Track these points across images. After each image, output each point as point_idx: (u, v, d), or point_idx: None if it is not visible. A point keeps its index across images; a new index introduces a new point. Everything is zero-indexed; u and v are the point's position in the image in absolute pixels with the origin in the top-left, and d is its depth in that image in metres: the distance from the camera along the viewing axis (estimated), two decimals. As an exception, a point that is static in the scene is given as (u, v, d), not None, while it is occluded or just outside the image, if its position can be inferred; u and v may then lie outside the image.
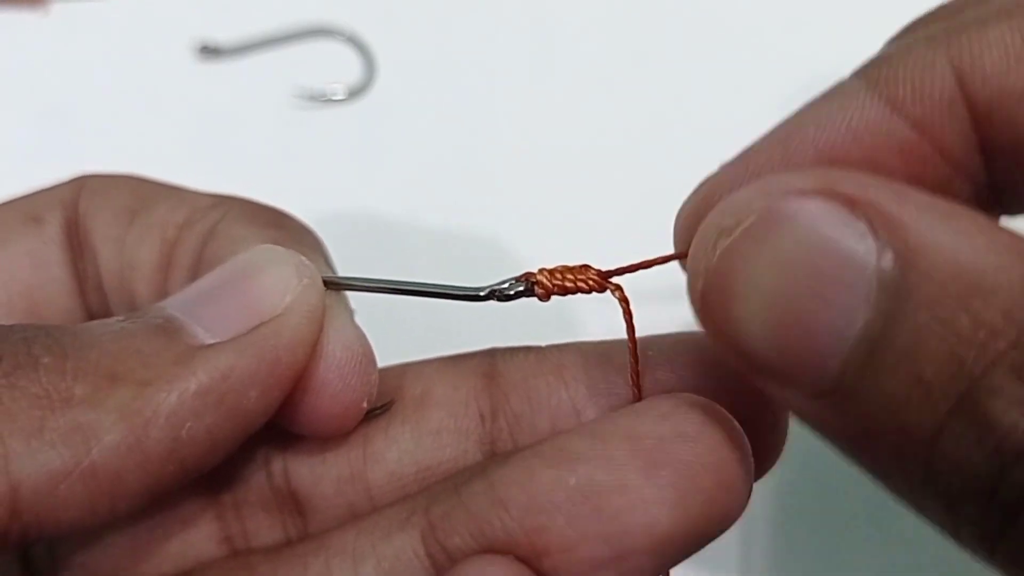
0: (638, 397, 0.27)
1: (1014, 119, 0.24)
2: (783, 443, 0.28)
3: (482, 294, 0.27)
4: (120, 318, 0.26)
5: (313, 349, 0.26)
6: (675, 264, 0.29)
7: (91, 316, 0.32)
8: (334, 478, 0.29)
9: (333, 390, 0.27)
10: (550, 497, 0.25)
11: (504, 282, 0.27)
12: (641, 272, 0.28)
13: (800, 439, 0.27)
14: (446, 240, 0.54)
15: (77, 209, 0.32)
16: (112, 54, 0.59)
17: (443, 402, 0.29)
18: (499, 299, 0.27)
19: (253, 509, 0.29)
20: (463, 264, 0.53)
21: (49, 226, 0.31)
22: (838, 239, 0.20)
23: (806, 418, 0.22)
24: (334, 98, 0.57)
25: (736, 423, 0.25)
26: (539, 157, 0.56)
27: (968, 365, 0.19)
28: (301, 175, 0.56)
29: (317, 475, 0.29)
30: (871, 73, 0.26)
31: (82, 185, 0.32)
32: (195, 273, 0.30)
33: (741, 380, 0.25)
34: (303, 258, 0.27)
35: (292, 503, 0.29)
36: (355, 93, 0.58)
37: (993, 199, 0.26)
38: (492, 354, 0.30)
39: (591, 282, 0.27)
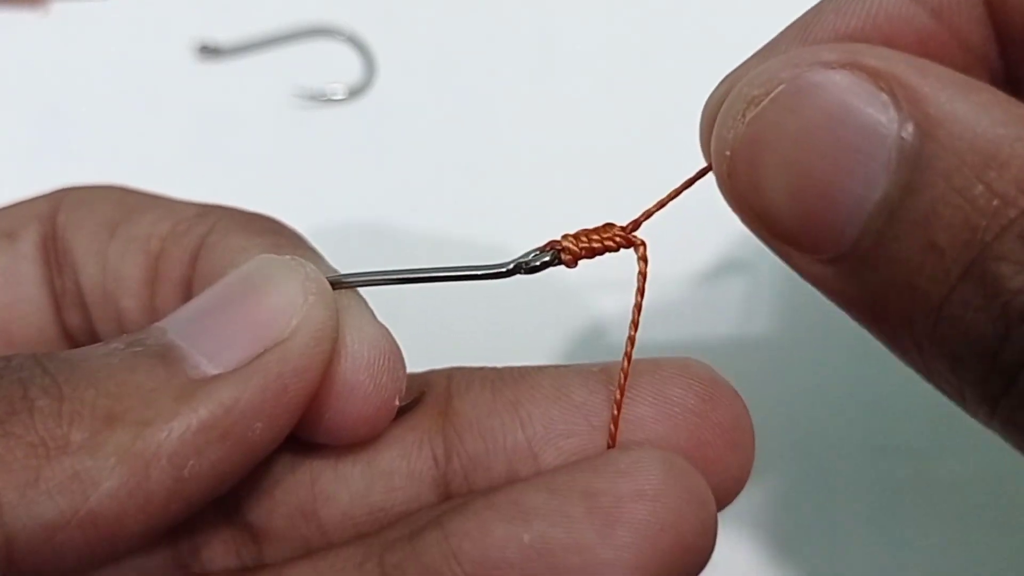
0: (617, 408, 0.26)
1: None
2: (748, 476, 0.27)
3: (507, 269, 0.26)
4: (119, 343, 0.24)
5: (325, 370, 0.25)
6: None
7: (68, 333, 0.31)
8: (284, 514, 0.28)
9: (364, 392, 0.26)
10: (504, 553, 0.24)
11: (528, 253, 0.26)
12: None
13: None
14: (446, 240, 0.54)
15: (55, 223, 0.31)
16: (112, 54, 0.59)
17: (395, 443, 0.28)
18: (526, 272, 0.26)
19: (207, 536, 0.28)
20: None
21: (23, 242, 0.31)
22: (861, 109, 0.21)
23: (822, 285, 0.23)
24: (334, 98, 0.57)
25: (701, 480, 0.25)
26: (539, 157, 0.56)
27: (980, 232, 0.20)
28: (301, 175, 0.56)
29: (267, 509, 0.28)
30: None
31: (61, 198, 0.31)
32: (186, 287, 0.29)
33: (715, 410, 0.26)
34: (308, 266, 0.26)
35: (246, 532, 0.28)
36: (355, 93, 0.58)
37: (1010, 91, 0.27)
38: (448, 380, 0.28)
39: (617, 239, 0.27)
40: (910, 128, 0.21)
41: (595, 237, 0.27)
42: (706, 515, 0.25)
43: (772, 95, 0.22)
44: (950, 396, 0.22)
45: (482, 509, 0.25)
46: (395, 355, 0.27)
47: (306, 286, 0.25)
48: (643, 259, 0.26)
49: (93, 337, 0.31)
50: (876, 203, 0.21)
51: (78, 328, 0.31)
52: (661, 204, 0.26)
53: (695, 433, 0.26)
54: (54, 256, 0.31)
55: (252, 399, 0.24)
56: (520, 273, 0.26)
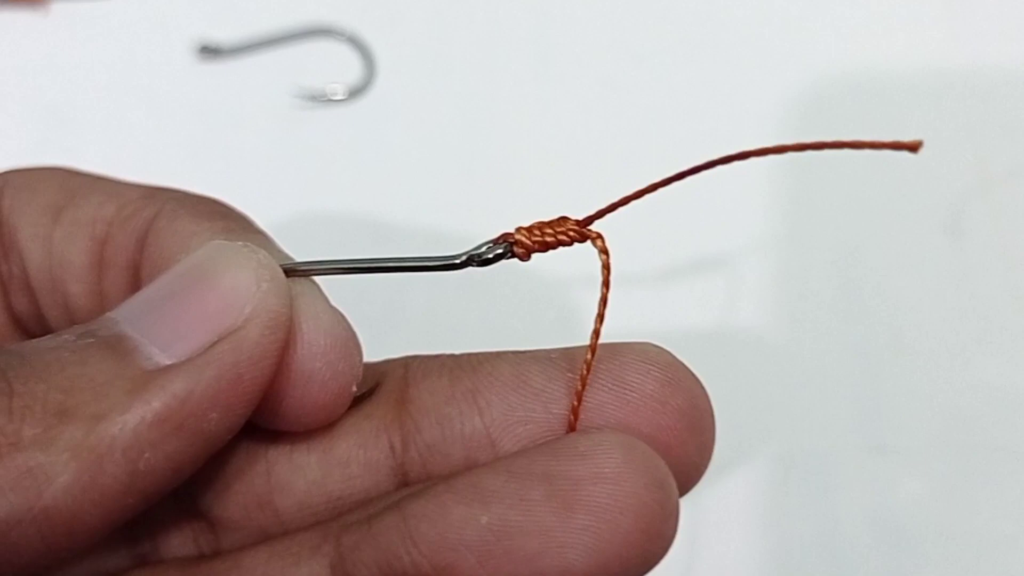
0: (578, 397, 0.26)
1: None
2: (708, 460, 0.27)
3: (459, 261, 0.26)
4: (70, 335, 0.24)
5: (279, 358, 0.25)
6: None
7: (16, 318, 0.31)
8: (241, 503, 0.27)
9: (321, 379, 0.26)
10: (461, 535, 0.24)
11: (481, 245, 0.26)
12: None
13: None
14: (446, 240, 0.54)
15: (0, 208, 0.30)
16: (112, 54, 0.59)
17: (351, 431, 0.27)
18: (478, 264, 0.26)
19: (163, 526, 0.28)
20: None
21: None
22: None
23: None
24: (334, 98, 0.57)
25: (662, 464, 0.25)
26: (539, 157, 0.56)
27: None
28: (301, 175, 0.56)
29: (222, 499, 0.28)
30: None
31: (5, 182, 0.31)
32: (134, 272, 0.29)
33: (673, 394, 0.25)
34: (261, 252, 0.25)
35: (203, 521, 0.28)
36: (355, 93, 0.58)
37: None
38: (405, 369, 0.28)
39: (571, 233, 0.26)
40: None
41: (548, 231, 0.26)
42: (666, 498, 0.24)
43: None
44: None
45: (441, 492, 0.25)
46: (351, 342, 0.27)
47: (259, 273, 0.25)
48: (603, 251, 0.26)
49: (41, 322, 0.31)
50: None
51: (26, 313, 0.31)
52: (622, 201, 0.26)
53: (654, 418, 0.26)
54: (0, 241, 0.31)
55: (207, 389, 0.23)
56: (472, 265, 0.26)
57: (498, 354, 0.28)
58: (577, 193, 0.55)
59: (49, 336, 0.25)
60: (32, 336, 0.31)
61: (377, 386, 0.28)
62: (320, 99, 0.57)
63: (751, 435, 0.48)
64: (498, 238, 0.26)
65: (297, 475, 0.27)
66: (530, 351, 0.28)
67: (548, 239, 0.26)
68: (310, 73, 0.58)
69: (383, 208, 0.54)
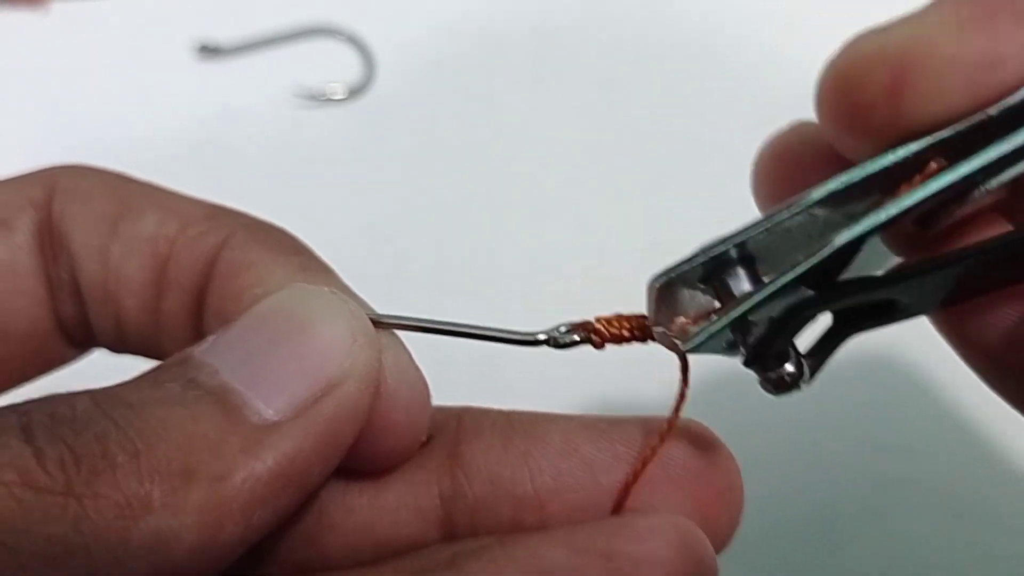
0: (635, 477, 0.27)
1: None
2: (733, 535, 0.29)
3: (538, 340, 0.27)
4: (174, 382, 0.24)
5: (370, 410, 0.26)
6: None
7: (62, 325, 0.31)
8: (289, 539, 0.28)
9: (400, 430, 0.27)
10: None
11: (559, 327, 0.27)
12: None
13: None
14: (445, 240, 0.54)
15: (50, 211, 0.30)
16: (112, 54, 0.59)
17: (404, 479, 0.28)
18: (554, 346, 0.27)
19: None
20: (461, 263, 0.53)
21: (19, 233, 0.30)
22: None
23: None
24: (334, 98, 0.58)
25: (709, 545, 0.26)
26: (539, 158, 0.56)
27: None
28: (301, 175, 0.56)
29: (273, 534, 0.27)
30: None
31: (53, 184, 0.31)
32: (196, 295, 0.29)
33: (714, 473, 0.27)
34: (351, 304, 0.26)
35: (248, 552, 0.28)
36: (355, 93, 0.58)
37: None
38: (458, 422, 0.29)
39: (648, 331, 0.27)
40: None
41: (627, 325, 0.27)
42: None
43: None
44: None
45: (500, 558, 0.25)
46: (427, 394, 0.28)
47: (353, 326, 0.25)
48: (683, 360, 0.27)
49: (86, 329, 0.31)
50: None
51: (71, 319, 0.31)
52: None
53: (697, 496, 0.27)
54: (49, 247, 0.30)
55: (314, 446, 0.24)
56: (549, 346, 0.27)
57: (549, 417, 0.29)
58: (577, 193, 0.55)
59: (147, 380, 0.25)
60: (75, 341, 0.32)
61: (431, 436, 0.28)
62: (320, 99, 0.57)
63: (752, 434, 0.48)
64: (577, 325, 0.27)
65: (347, 516, 0.28)
66: (578, 416, 0.29)
67: (625, 333, 0.27)
68: (310, 73, 0.58)
69: (382, 207, 0.55)
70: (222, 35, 0.59)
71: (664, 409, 0.28)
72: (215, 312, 0.29)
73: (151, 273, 0.30)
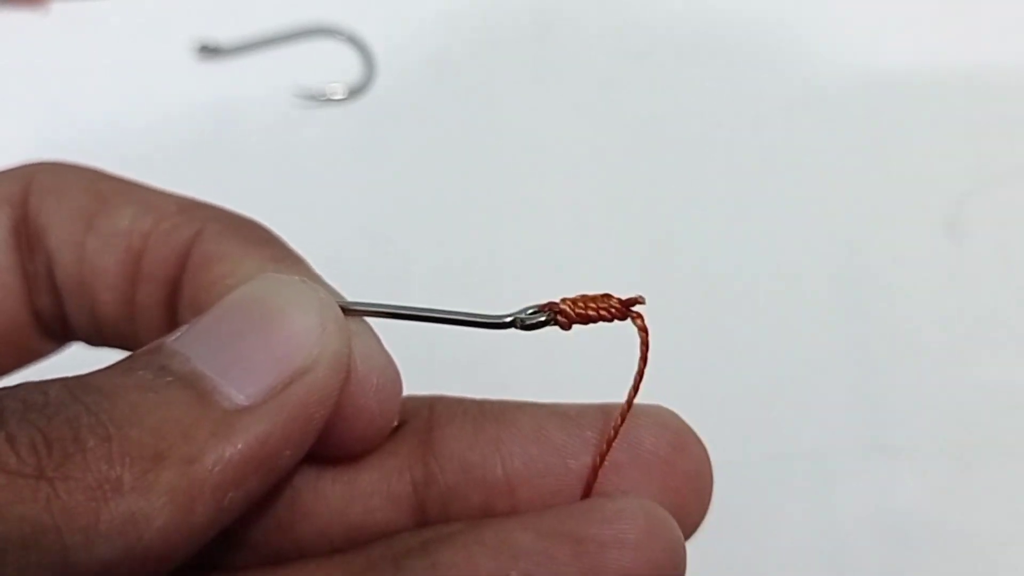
0: (601, 459, 0.27)
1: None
2: (702, 520, 0.29)
3: (505, 322, 0.27)
4: (146, 371, 0.25)
5: (339, 396, 0.26)
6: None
7: (39, 319, 0.32)
8: (262, 526, 0.28)
9: (371, 415, 0.27)
10: None
11: (526, 310, 0.28)
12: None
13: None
14: (444, 239, 0.54)
15: (26, 207, 0.31)
16: (112, 54, 0.59)
17: (376, 466, 0.28)
18: (521, 327, 0.28)
19: None
20: (462, 264, 0.53)
21: None
22: None
23: None
24: (334, 98, 0.58)
25: (677, 528, 0.26)
26: (539, 158, 0.56)
27: None
28: (301, 174, 0.56)
29: (246, 522, 0.28)
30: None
31: (30, 180, 0.31)
32: (170, 286, 0.30)
33: (683, 459, 0.28)
34: (321, 291, 0.27)
35: (220, 538, 0.28)
36: (355, 93, 0.58)
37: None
38: (430, 410, 0.29)
39: (613, 310, 0.28)
40: None
41: (592, 305, 0.27)
42: (680, 561, 0.26)
43: None
44: None
45: (471, 543, 0.26)
46: (398, 380, 0.28)
47: (323, 314, 0.26)
48: (643, 330, 0.27)
49: (63, 322, 0.32)
50: None
51: (47, 312, 0.31)
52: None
53: (665, 480, 0.28)
54: (26, 242, 0.31)
55: (283, 430, 0.24)
56: (516, 328, 0.27)
57: (519, 405, 0.29)
58: (577, 194, 0.55)
59: (119, 368, 0.25)
60: (53, 335, 0.32)
61: (402, 423, 0.29)
62: (320, 99, 0.57)
63: (752, 435, 0.48)
64: (544, 306, 0.28)
65: (320, 503, 0.28)
66: (549, 405, 0.29)
67: (591, 313, 0.27)
68: (310, 73, 0.58)
69: (382, 207, 0.55)
70: (222, 35, 0.59)
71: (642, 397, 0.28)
72: (189, 303, 0.30)
73: (126, 267, 0.30)
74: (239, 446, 0.24)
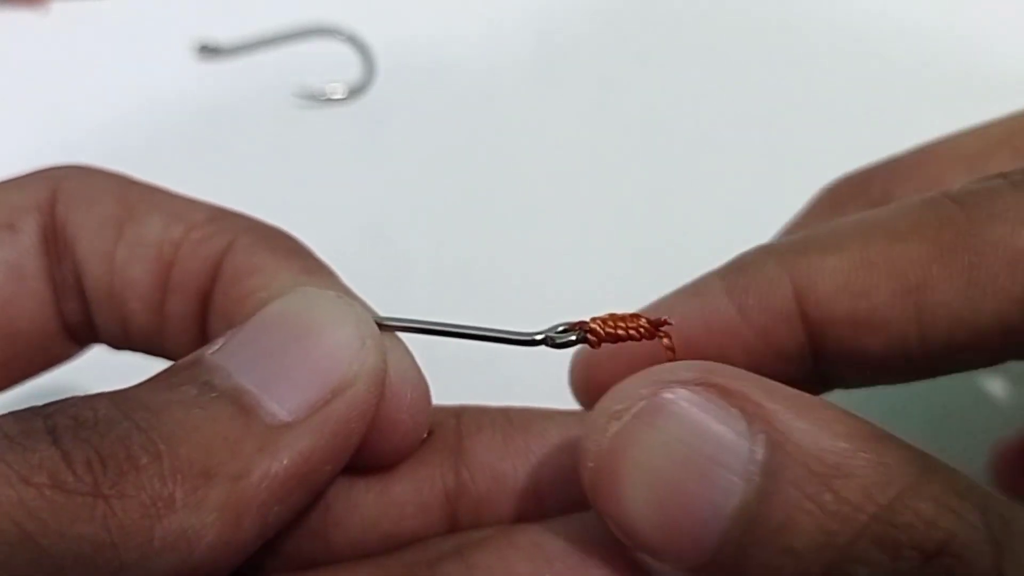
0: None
1: (840, 337, 0.28)
2: None
3: (536, 339, 0.28)
4: (190, 385, 0.25)
5: (376, 411, 0.27)
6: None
7: (67, 326, 0.32)
8: (296, 534, 0.29)
9: (404, 429, 0.28)
10: None
11: (556, 327, 0.28)
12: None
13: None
14: (445, 239, 0.54)
15: (54, 213, 0.31)
16: (112, 54, 0.59)
17: (408, 475, 0.29)
18: (552, 346, 0.28)
19: None
20: (462, 264, 0.53)
21: (24, 235, 0.30)
22: (716, 425, 0.23)
23: None
24: (334, 98, 0.58)
25: None
26: (539, 158, 0.56)
27: (834, 536, 0.22)
28: (301, 175, 0.56)
29: (281, 531, 0.28)
30: (728, 278, 0.29)
31: (57, 185, 0.31)
32: (202, 297, 0.30)
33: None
34: (357, 307, 0.27)
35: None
36: (355, 93, 0.58)
37: (818, 380, 0.30)
38: (458, 420, 0.30)
39: (642, 330, 0.28)
40: (761, 440, 0.23)
41: (621, 324, 0.28)
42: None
43: (633, 411, 0.24)
44: None
45: (505, 547, 0.27)
46: (428, 394, 0.28)
47: (361, 330, 0.26)
48: (670, 349, 0.28)
49: (91, 329, 0.32)
50: (733, 511, 0.23)
51: (75, 320, 0.32)
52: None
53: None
54: (54, 249, 0.31)
55: (326, 446, 0.25)
56: (546, 345, 0.28)
57: (545, 414, 0.30)
58: (577, 194, 0.55)
59: (163, 383, 0.25)
60: (78, 338, 0.32)
61: (430, 433, 0.29)
62: (320, 99, 0.57)
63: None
64: (574, 324, 0.28)
65: (354, 512, 0.29)
66: (575, 412, 0.30)
67: (620, 332, 0.28)
68: (310, 73, 0.58)
69: (382, 207, 0.54)
70: (222, 35, 0.59)
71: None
72: (221, 315, 0.30)
73: (156, 276, 0.30)
74: (284, 462, 0.24)
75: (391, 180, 0.55)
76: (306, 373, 0.25)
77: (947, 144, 0.36)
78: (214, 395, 0.25)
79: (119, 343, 0.32)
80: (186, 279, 0.30)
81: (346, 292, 0.29)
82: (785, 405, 0.23)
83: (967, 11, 0.60)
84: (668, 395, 0.24)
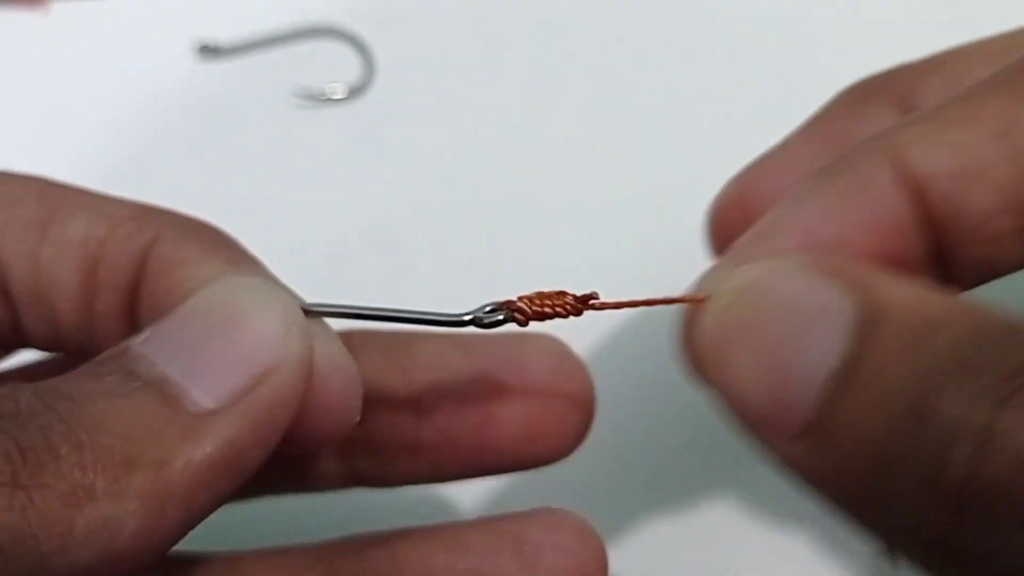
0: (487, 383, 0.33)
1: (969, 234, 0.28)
2: (584, 438, 0.35)
3: (463, 320, 0.29)
4: (114, 375, 0.25)
5: (303, 397, 0.27)
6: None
7: None
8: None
9: (335, 415, 0.28)
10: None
11: (484, 308, 0.29)
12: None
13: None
14: (445, 240, 0.54)
15: None
16: (112, 54, 0.59)
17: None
18: (480, 326, 0.29)
19: None
20: (463, 263, 0.53)
21: None
22: (819, 292, 0.24)
23: (795, 466, 0.25)
24: (334, 98, 0.58)
25: (601, 541, 0.31)
26: (539, 157, 0.56)
27: (925, 378, 0.22)
28: (301, 174, 0.56)
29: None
30: (893, 150, 0.28)
31: None
32: (129, 294, 0.30)
33: (564, 380, 0.34)
34: (282, 293, 0.28)
35: None
36: (355, 93, 0.58)
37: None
38: (348, 341, 0.30)
39: (569, 307, 0.29)
40: (861, 302, 0.23)
41: (548, 303, 0.29)
42: (604, 564, 0.31)
43: (741, 286, 0.26)
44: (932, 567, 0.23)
45: (429, 538, 0.30)
46: (358, 380, 0.29)
47: (286, 316, 0.27)
48: (600, 309, 0.29)
49: (17, 330, 0.32)
50: (833, 368, 0.23)
51: (2, 324, 0.31)
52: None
53: (547, 399, 0.33)
54: None
55: (251, 432, 0.25)
56: (475, 327, 0.29)
57: (424, 336, 0.33)
58: (577, 196, 0.55)
59: (87, 373, 0.25)
60: (5, 343, 0.32)
61: (361, 419, 0.30)
62: (320, 99, 0.57)
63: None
64: (500, 304, 0.29)
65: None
66: (450, 334, 0.33)
67: (547, 310, 0.29)
68: (310, 73, 0.58)
69: (382, 208, 0.55)
70: (222, 35, 0.59)
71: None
72: (149, 308, 0.30)
73: (83, 275, 0.30)
74: (208, 449, 0.24)
75: (391, 180, 0.55)
76: (230, 361, 0.25)
77: (972, 45, 0.36)
78: (137, 384, 0.25)
79: (48, 345, 0.32)
80: (113, 276, 0.30)
81: (272, 280, 0.30)
82: (886, 279, 0.24)
83: None
84: (778, 275, 0.25)
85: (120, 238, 0.30)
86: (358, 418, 0.29)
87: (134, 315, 0.31)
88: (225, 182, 0.55)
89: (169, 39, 0.59)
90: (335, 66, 0.58)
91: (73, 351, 0.32)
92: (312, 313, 0.28)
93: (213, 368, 0.25)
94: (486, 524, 0.30)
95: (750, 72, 0.58)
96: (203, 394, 0.25)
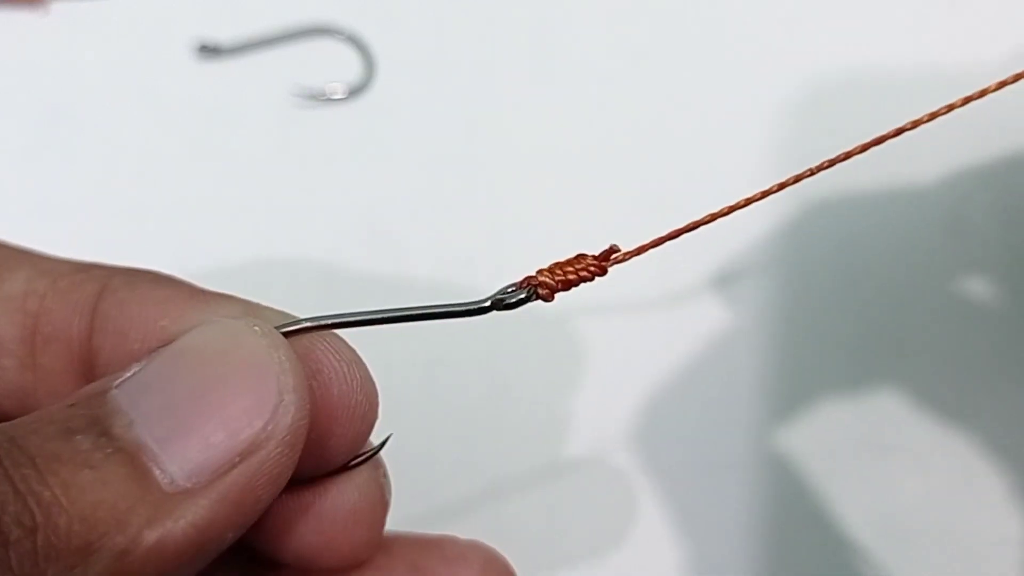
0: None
1: None
2: None
3: (485, 306, 0.26)
4: (84, 435, 0.23)
5: (293, 469, 0.24)
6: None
7: None
8: None
9: (349, 440, 0.27)
10: None
11: (506, 289, 0.26)
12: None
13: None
14: (445, 240, 0.54)
15: None
16: (112, 54, 0.59)
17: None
18: (503, 308, 0.26)
19: None
20: (463, 263, 0.53)
21: None
22: None
23: None
24: (334, 98, 0.58)
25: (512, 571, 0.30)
26: (539, 157, 0.56)
27: None
28: (301, 175, 0.56)
29: None
30: None
31: None
32: (76, 345, 0.29)
33: None
34: (282, 351, 0.24)
35: None
36: (355, 93, 0.58)
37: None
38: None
39: (591, 268, 0.27)
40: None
41: (570, 269, 0.26)
42: None
43: None
44: None
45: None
46: (374, 395, 0.28)
47: (281, 381, 0.24)
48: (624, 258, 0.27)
49: None
50: None
51: None
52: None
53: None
54: None
55: (227, 516, 0.23)
56: (498, 309, 0.26)
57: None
58: (577, 195, 0.55)
59: (57, 426, 0.23)
60: None
61: (366, 455, 0.30)
62: (320, 98, 0.57)
63: (751, 435, 0.48)
64: (521, 282, 0.26)
65: None
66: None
67: (571, 277, 0.26)
68: (310, 73, 0.58)
69: (382, 208, 0.54)
70: (222, 35, 0.59)
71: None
72: (109, 358, 0.28)
73: (24, 331, 0.29)
74: (176, 535, 0.22)
75: (391, 180, 0.55)
76: (212, 430, 0.23)
77: None
78: (109, 451, 0.22)
79: None
80: (57, 329, 0.29)
81: (254, 312, 0.27)
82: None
83: None
84: None
85: (63, 290, 0.29)
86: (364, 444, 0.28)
87: (87, 368, 0.29)
88: (225, 182, 0.55)
89: (169, 39, 0.59)
90: (335, 66, 0.58)
91: (16, 412, 0.29)
92: (320, 328, 0.26)
93: (193, 436, 0.23)
94: (387, 542, 0.28)
95: (750, 72, 0.58)
96: (178, 468, 0.22)
